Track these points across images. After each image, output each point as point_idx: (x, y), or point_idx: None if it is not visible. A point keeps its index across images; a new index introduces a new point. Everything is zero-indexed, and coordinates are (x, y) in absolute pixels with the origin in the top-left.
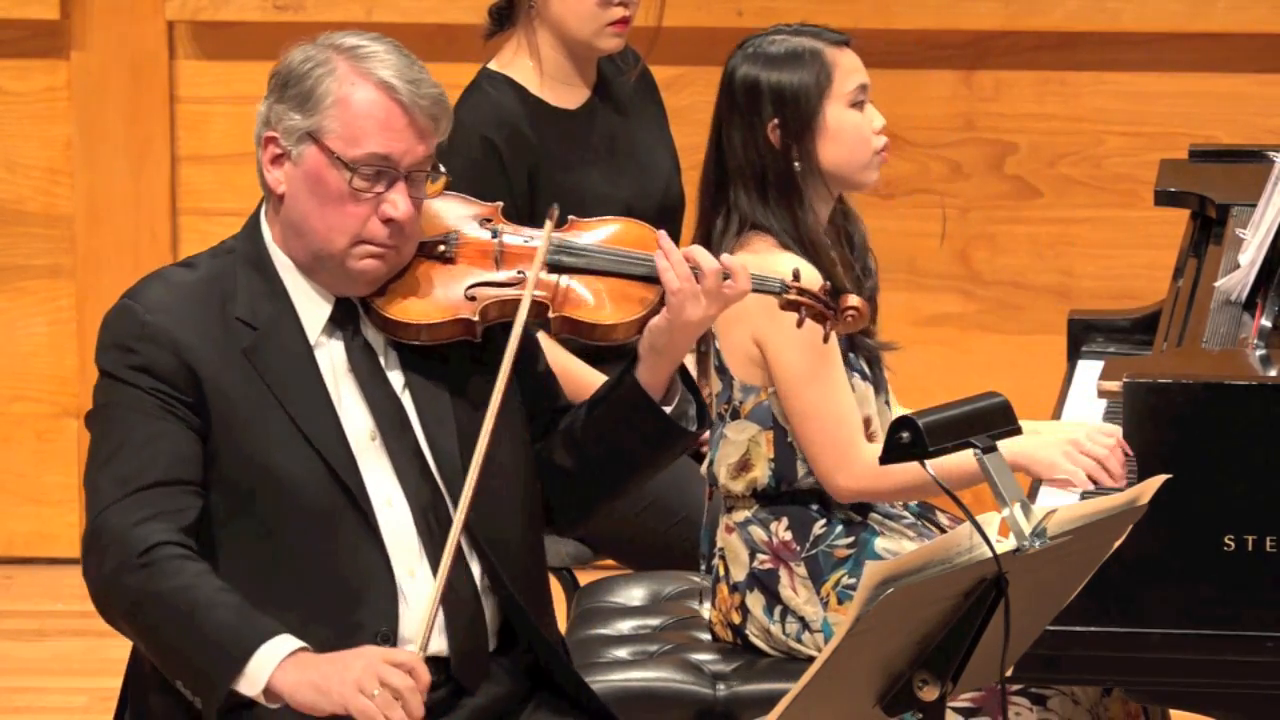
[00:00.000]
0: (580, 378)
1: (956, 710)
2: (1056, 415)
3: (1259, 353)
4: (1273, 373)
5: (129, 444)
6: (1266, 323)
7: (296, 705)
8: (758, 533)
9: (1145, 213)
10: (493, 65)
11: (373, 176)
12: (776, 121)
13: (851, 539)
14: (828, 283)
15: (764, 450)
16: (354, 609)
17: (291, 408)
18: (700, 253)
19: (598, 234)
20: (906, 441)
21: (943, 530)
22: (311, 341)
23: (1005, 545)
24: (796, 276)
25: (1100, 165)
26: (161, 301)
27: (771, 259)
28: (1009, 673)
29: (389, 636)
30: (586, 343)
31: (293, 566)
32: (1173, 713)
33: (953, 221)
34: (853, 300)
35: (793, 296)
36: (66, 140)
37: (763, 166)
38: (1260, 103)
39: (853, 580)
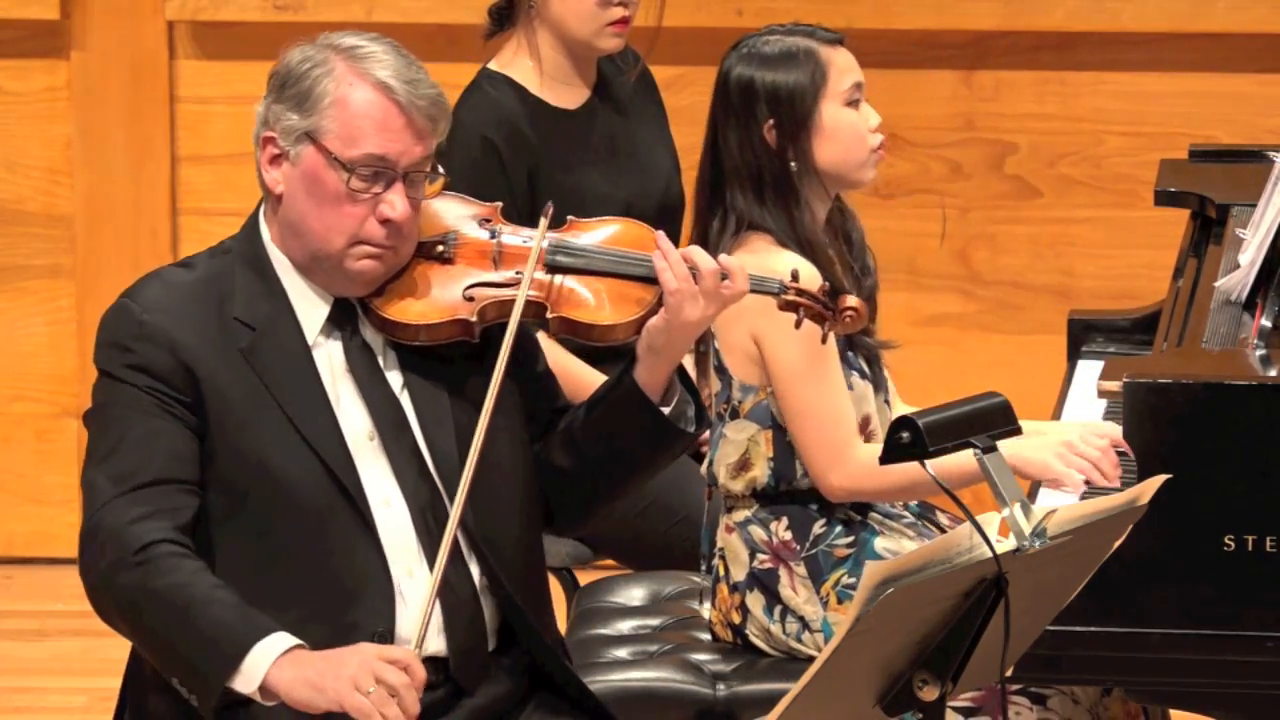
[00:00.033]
0: (580, 378)
1: (956, 710)
2: (1056, 415)
3: (1259, 353)
4: (1273, 373)
5: (126, 442)
6: (1266, 323)
7: (292, 703)
8: (758, 532)
9: (1145, 213)
10: (493, 65)
11: (370, 177)
12: (772, 122)
13: (851, 539)
14: (826, 283)
15: (763, 450)
16: (350, 608)
17: (289, 407)
18: (698, 253)
19: (596, 234)
20: (906, 441)
21: (943, 530)
22: (309, 341)
23: (1005, 545)
24: (795, 277)
25: (1100, 165)
26: (159, 301)
27: (770, 258)
28: (1009, 673)
29: (386, 636)
30: (585, 343)
31: (289, 566)
32: (1173, 713)
33: (953, 221)
34: (851, 301)
35: (791, 297)
36: (66, 140)
37: (759, 167)
38: (1260, 103)
39: (852, 580)
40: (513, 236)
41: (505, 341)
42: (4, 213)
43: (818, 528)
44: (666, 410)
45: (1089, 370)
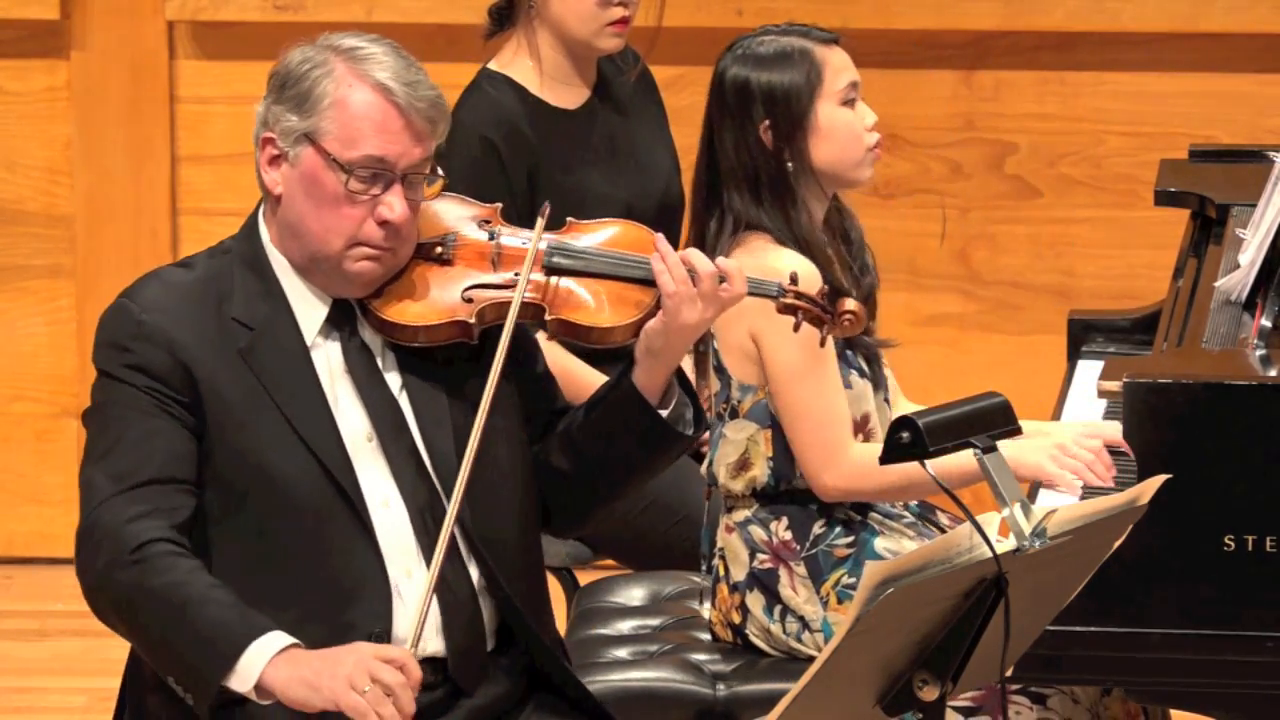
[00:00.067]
0: (581, 378)
1: (956, 709)
2: (1056, 415)
3: (1259, 353)
4: (1273, 373)
5: (124, 441)
6: (1266, 323)
7: (288, 701)
8: (757, 532)
9: (1145, 213)
10: (493, 65)
11: (369, 179)
12: (768, 122)
13: (851, 538)
14: (826, 286)
15: (762, 449)
16: (348, 609)
17: (287, 408)
18: (696, 256)
19: (595, 236)
20: (906, 441)
21: (943, 530)
22: (308, 342)
23: (1005, 545)
24: (794, 280)
25: (1100, 165)
26: (157, 301)
27: (770, 256)
28: (1009, 673)
29: (383, 636)
30: (583, 346)
31: (287, 566)
32: (1173, 713)
33: (953, 221)
34: (850, 305)
35: (790, 300)
36: (66, 140)
37: (755, 168)
38: (1260, 103)
39: (852, 580)
40: (512, 238)
41: (501, 343)
42: (4, 213)
43: (818, 528)
44: (665, 413)
45: (1089, 370)
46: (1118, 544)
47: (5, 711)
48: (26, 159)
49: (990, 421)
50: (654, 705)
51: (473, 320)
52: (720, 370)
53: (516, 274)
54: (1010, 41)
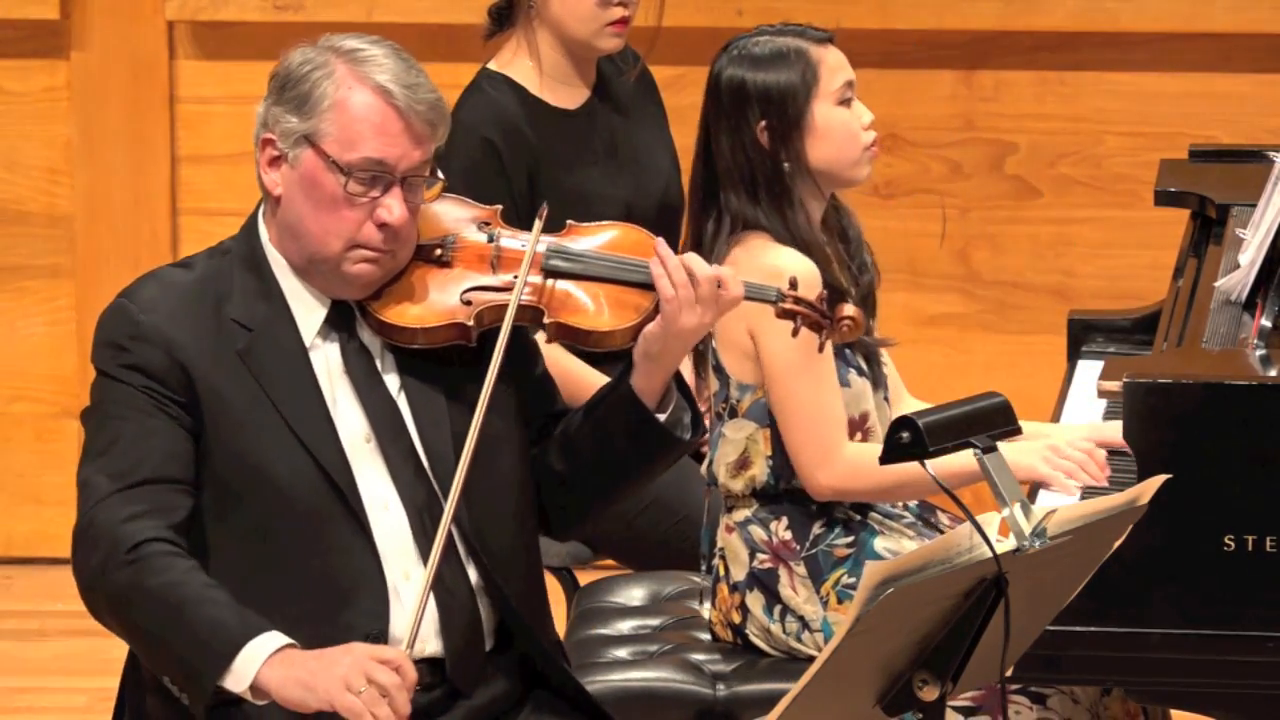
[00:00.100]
0: (582, 379)
1: (956, 709)
2: (1056, 415)
3: (1259, 353)
4: (1273, 373)
5: (121, 440)
6: (1266, 323)
7: (283, 702)
8: (757, 532)
9: (1145, 213)
10: (492, 65)
11: (368, 181)
12: (764, 123)
13: (851, 538)
14: (825, 291)
15: (762, 448)
16: (344, 610)
17: (285, 409)
18: (695, 261)
19: (594, 239)
20: (906, 441)
21: (942, 530)
22: (307, 343)
23: (1005, 545)
24: (793, 285)
25: (1100, 165)
26: (156, 301)
27: (770, 255)
28: (1009, 673)
29: (380, 638)
30: (582, 349)
31: (284, 567)
32: (1173, 713)
33: (953, 221)
34: (848, 310)
35: (789, 305)
36: (66, 140)
37: (752, 168)
38: (1260, 103)
39: (852, 579)
40: (511, 240)
41: (498, 345)
42: (4, 213)
43: (817, 528)
44: (662, 417)
45: (1089, 370)
46: (1118, 544)
47: (5, 711)
48: (26, 159)
49: (990, 421)
50: (654, 705)
51: (471, 323)
52: (719, 369)
53: (515, 276)
54: (1010, 41)
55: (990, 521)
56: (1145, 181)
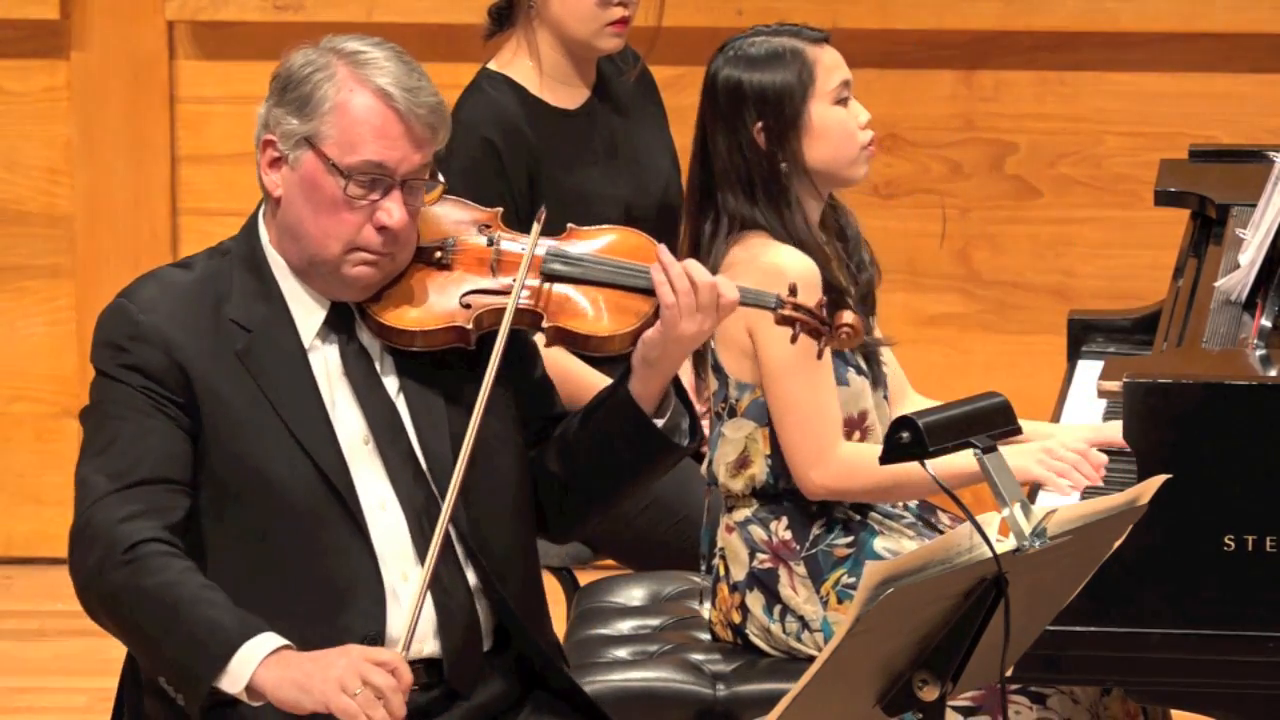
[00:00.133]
0: (582, 380)
1: (956, 709)
2: (1056, 415)
3: (1259, 353)
4: (1273, 373)
5: (119, 440)
6: (1266, 323)
7: (279, 703)
8: (757, 532)
9: (1145, 213)
10: (492, 65)
11: (368, 184)
12: (761, 124)
13: (851, 538)
14: (824, 298)
15: (761, 447)
16: (342, 611)
17: (283, 410)
18: (696, 268)
19: (594, 243)
20: (906, 441)
21: (942, 530)
22: (306, 345)
23: (1005, 545)
24: (793, 292)
25: (1100, 165)
26: (155, 301)
27: (769, 254)
28: (1009, 673)
29: (377, 639)
30: (581, 353)
31: (282, 568)
32: (1173, 713)
33: (953, 221)
34: (848, 318)
35: (788, 312)
36: (66, 140)
37: (749, 169)
38: (1260, 103)
39: (852, 579)
40: (512, 243)
41: (496, 348)
42: (4, 213)
43: (817, 527)
44: (660, 423)
45: (1089, 370)
46: (1118, 544)
47: (5, 711)
48: (26, 159)
49: (990, 421)
50: (654, 705)
51: (470, 326)
52: (718, 369)
53: (514, 279)
54: (1010, 41)
55: (990, 521)
56: (1145, 181)
